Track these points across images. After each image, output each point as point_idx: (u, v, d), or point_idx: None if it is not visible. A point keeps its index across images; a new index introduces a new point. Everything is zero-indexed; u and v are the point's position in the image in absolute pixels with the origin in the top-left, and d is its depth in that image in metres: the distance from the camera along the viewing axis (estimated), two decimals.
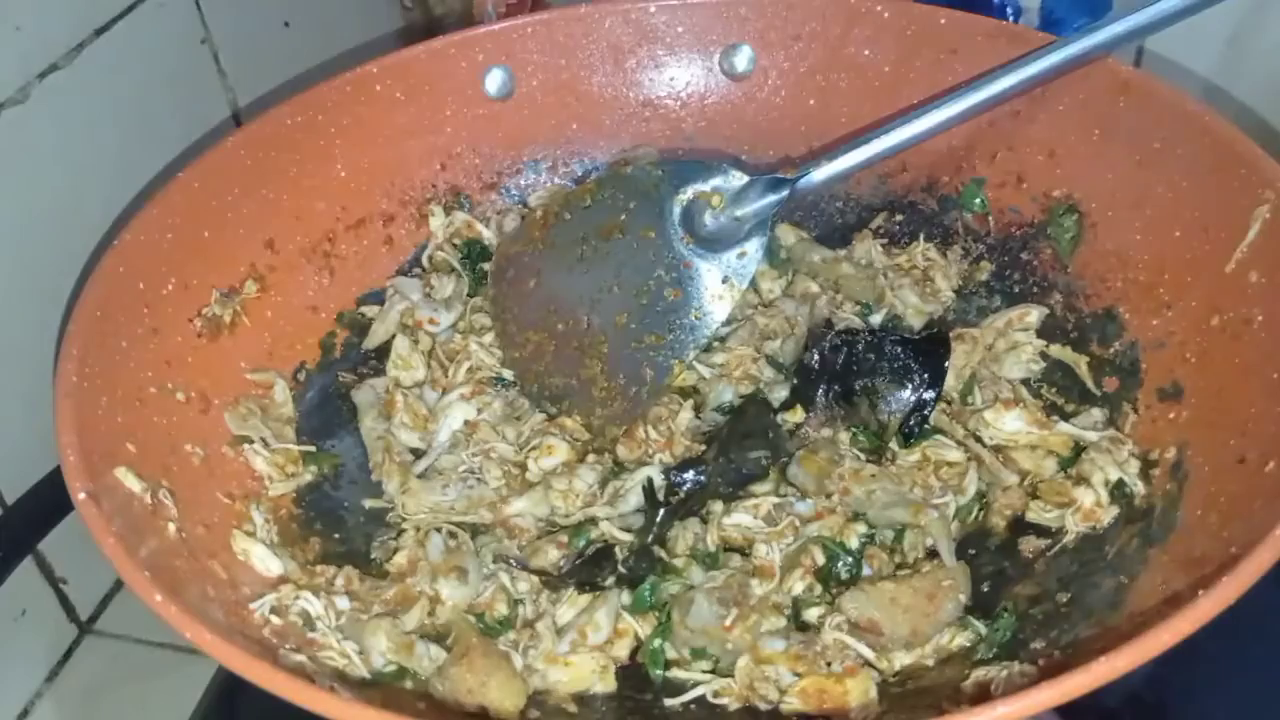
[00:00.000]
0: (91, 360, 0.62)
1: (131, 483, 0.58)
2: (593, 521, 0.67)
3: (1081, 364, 0.72)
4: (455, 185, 0.86)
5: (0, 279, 0.73)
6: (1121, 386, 0.70)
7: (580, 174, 0.89)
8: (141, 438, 0.62)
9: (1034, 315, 0.76)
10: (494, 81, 0.86)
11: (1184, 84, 0.71)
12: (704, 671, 0.60)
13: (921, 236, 0.84)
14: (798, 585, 0.62)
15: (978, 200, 0.81)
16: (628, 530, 0.67)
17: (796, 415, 0.72)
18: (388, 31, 1.11)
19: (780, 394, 0.73)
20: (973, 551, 0.66)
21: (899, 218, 0.85)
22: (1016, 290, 0.79)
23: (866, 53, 0.85)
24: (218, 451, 0.67)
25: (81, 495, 0.54)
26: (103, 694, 0.79)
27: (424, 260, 0.84)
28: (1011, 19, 0.93)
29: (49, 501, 0.72)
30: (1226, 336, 0.64)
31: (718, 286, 0.73)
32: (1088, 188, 0.77)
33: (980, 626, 0.60)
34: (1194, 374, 0.66)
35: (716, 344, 0.76)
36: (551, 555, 0.65)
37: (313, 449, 0.72)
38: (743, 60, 0.88)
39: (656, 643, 0.61)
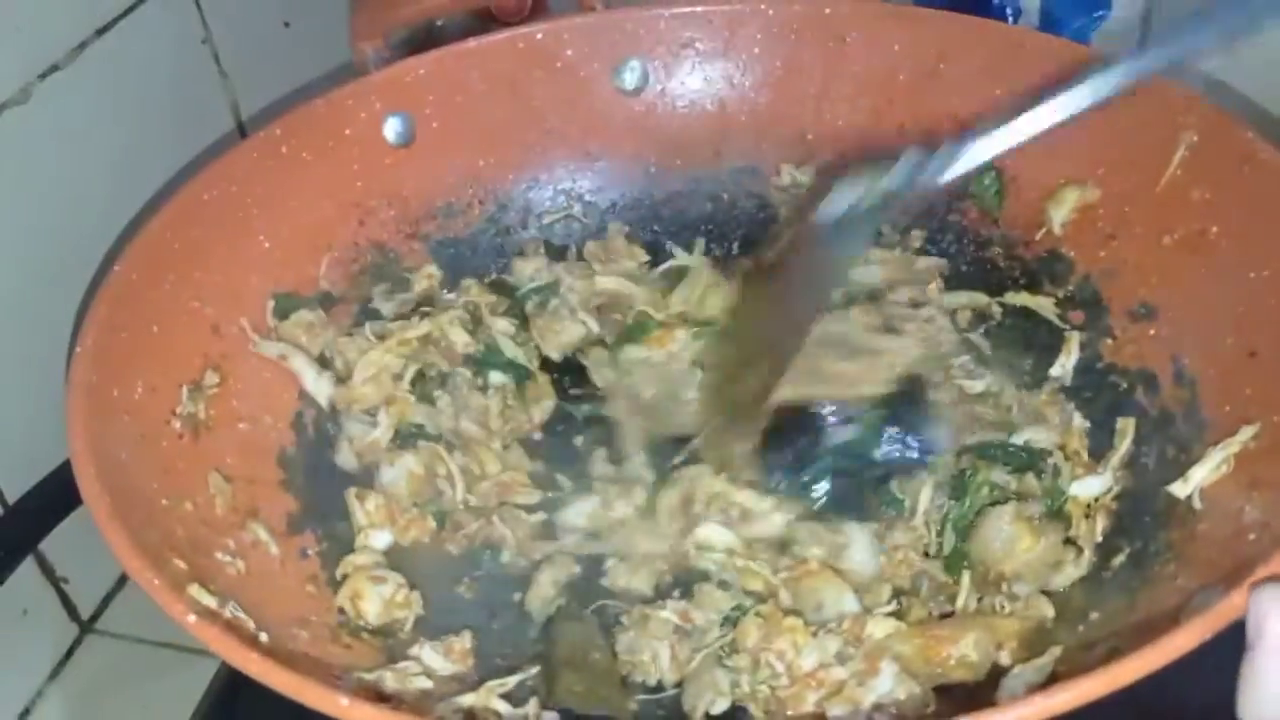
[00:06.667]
0: (107, 479, 0.55)
1: (207, 599, 0.52)
2: None
3: (1046, 305, 0.77)
4: (377, 240, 0.82)
5: (1, 279, 0.73)
6: (1089, 318, 0.75)
7: (494, 210, 0.87)
8: (180, 552, 0.55)
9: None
10: (392, 130, 0.83)
11: (1185, 78, 0.75)
12: None
13: None
14: None
15: (991, 189, 0.81)
16: None
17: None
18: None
19: None
20: None
21: None
22: (953, 250, 0.83)
23: (756, 51, 0.87)
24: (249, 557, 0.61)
25: (192, 619, 0.48)
26: (104, 693, 0.79)
27: None
28: (1010, 19, 0.98)
29: (50, 501, 0.71)
30: (1185, 251, 0.70)
31: None
32: None
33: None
34: (1162, 291, 0.71)
35: None
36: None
37: None
38: (634, 76, 0.88)
39: None
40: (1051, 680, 0.54)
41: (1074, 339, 0.74)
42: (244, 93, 0.95)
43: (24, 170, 0.75)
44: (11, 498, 0.74)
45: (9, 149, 0.73)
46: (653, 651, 0.59)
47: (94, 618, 0.83)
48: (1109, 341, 0.73)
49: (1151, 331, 0.71)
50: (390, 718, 0.43)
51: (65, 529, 0.73)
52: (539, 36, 0.86)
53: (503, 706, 0.54)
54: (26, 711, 0.78)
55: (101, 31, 0.79)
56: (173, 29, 0.87)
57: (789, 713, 0.56)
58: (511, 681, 0.56)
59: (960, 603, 0.63)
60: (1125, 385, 0.71)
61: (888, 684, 0.55)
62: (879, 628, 0.58)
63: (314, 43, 0.99)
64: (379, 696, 0.53)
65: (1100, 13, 0.98)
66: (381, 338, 0.74)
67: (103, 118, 0.80)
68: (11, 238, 0.74)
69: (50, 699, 0.79)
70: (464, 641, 0.60)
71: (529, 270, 0.83)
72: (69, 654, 0.81)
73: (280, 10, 1.00)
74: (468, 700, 0.54)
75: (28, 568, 0.76)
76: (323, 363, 0.73)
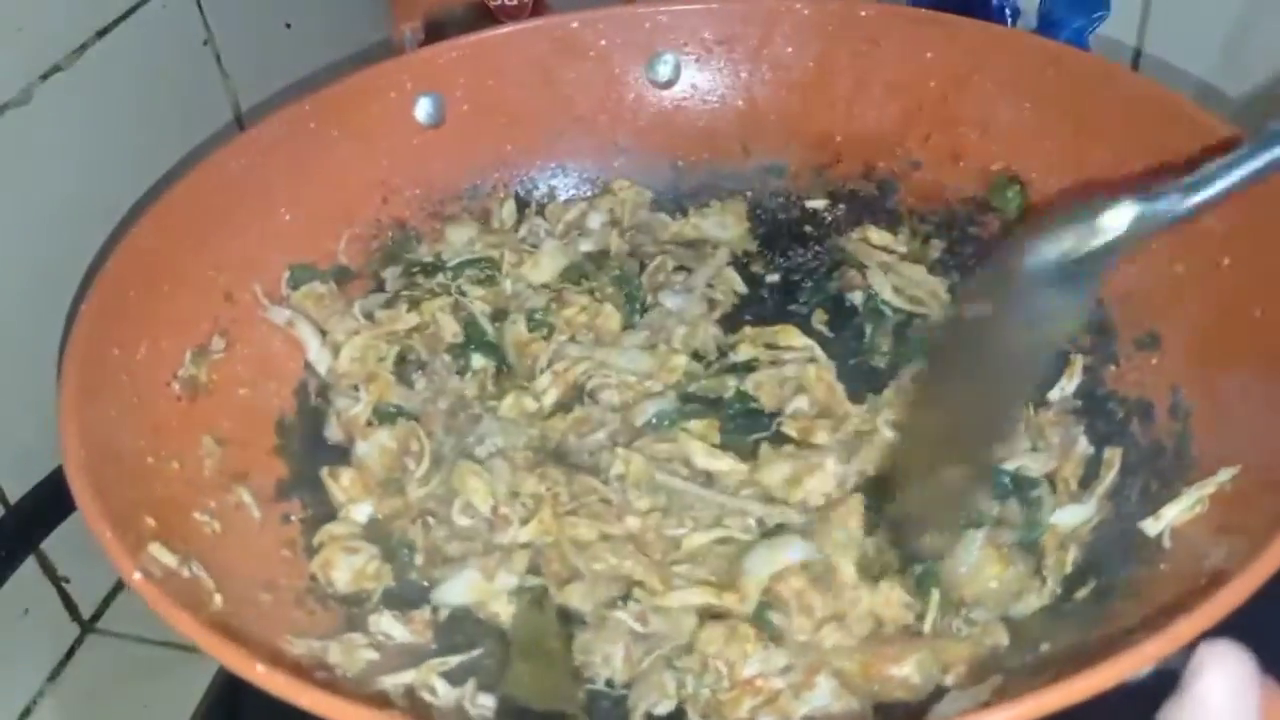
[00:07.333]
0: (90, 435, 0.57)
1: (167, 558, 0.54)
2: None
3: None
4: (399, 218, 0.84)
5: (2, 280, 0.74)
6: (1096, 342, 0.73)
7: (520, 195, 0.88)
8: (154, 510, 0.58)
9: None
10: (423, 110, 0.84)
11: (1179, 86, 0.73)
12: None
13: None
14: None
15: (1014, 203, 0.80)
16: None
17: None
18: (389, 35, 1.09)
19: None
20: None
21: (841, 207, 0.87)
22: (971, 264, 0.82)
23: (789, 50, 0.87)
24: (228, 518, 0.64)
25: (137, 576, 0.50)
26: (105, 693, 0.80)
27: None
28: (1009, 19, 0.96)
29: (51, 501, 0.73)
30: (1195, 281, 0.68)
31: None
32: (1026, 159, 0.80)
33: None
34: (1169, 320, 0.69)
35: None
36: None
37: None
38: (667, 69, 0.89)
39: None
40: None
41: (1078, 362, 0.73)
42: (246, 94, 0.96)
43: (25, 171, 0.75)
44: (12, 498, 0.75)
45: (10, 150, 0.73)
46: (605, 654, 0.60)
47: (95, 617, 0.84)
48: (1113, 368, 0.72)
49: (1154, 361, 0.69)
50: (299, 687, 0.44)
51: (66, 529, 0.75)
52: (574, 25, 0.87)
53: (441, 685, 0.55)
54: (26, 711, 0.78)
55: (103, 33, 0.80)
56: (174, 30, 0.88)
57: (726, 717, 0.56)
58: (453, 661, 0.57)
59: (928, 623, 0.63)
60: (1122, 414, 0.69)
61: (823, 698, 0.55)
62: (829, 637, 0.58)
63: (316, 44, 1.00)
64: (320, 665, 0.55)
65: (1099, 13, 0.95)
66: (369, 317, 0.75)
67: (104, 119, 0.81)
68: (12, 238, 0.75)
69: (51, 698, 0.79)
70: (424, 614, 0.62)
71: (461, 239, 0.83)
72: (69, 654, 0.81)
73: (282, 11, 1.00)
74: (407, 677, 0.55)
75: (28, 567, 0.77)
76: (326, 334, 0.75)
